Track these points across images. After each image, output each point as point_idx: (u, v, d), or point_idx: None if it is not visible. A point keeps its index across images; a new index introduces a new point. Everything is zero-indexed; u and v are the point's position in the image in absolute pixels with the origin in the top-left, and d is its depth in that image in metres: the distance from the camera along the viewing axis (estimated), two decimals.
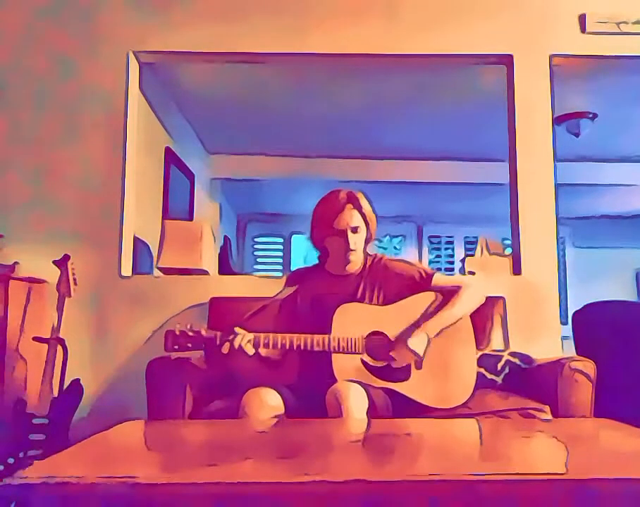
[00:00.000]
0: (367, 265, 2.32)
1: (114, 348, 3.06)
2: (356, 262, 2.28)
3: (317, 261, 2.38)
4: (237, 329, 2.11)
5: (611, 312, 3.19)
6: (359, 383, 2.04)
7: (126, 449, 1.58)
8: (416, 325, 2.20)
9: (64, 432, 2.61)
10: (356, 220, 2.23)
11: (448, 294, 2.28)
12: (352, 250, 2.23)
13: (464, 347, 2.28)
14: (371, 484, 1.13)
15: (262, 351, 2.15)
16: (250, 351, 2.10)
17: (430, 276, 2.30)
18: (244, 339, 2.09)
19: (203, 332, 2.12)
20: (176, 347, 2.11)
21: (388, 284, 2.29)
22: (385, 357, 2.16)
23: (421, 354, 2.14)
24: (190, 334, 2.12)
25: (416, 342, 2.15)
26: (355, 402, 1.96)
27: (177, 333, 2.12)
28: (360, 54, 3.31)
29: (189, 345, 2.11)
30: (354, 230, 2.22)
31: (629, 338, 2.95)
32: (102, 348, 3.06)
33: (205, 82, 4.27)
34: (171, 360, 2.35)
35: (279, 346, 2.11)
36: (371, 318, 2.20)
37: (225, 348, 2.08)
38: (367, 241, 2.31)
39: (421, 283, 2.29)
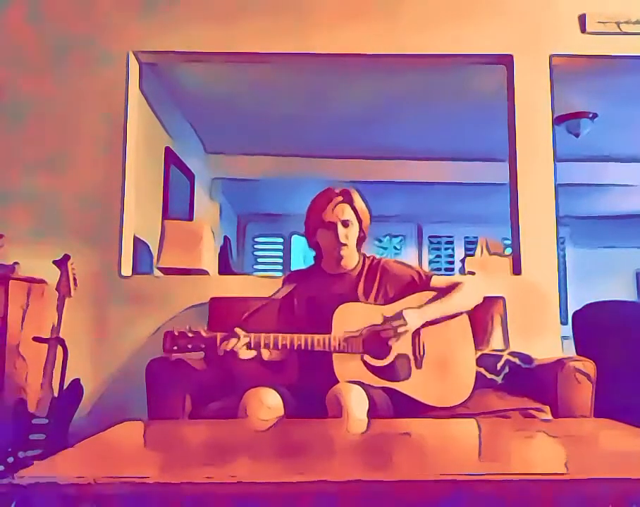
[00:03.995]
0: (365, 266, 2.32)
1: (114, 348, 3.06)
2: (349, 258, 2.28)
3: (313, 262, 2.39)
4: (237, 330, 2.10)
5: (611, 312, 3.20)
6: (360, 384, 2.04)
7: (126, 449, 1.58)
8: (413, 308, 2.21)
9: (64, 432, 2.61)
10: (347, 213, 2.22)
11: (446, 293, 2.28)
12: (343, 244, 2.22)
13: (462, 346, 2.29)
14: (371, 484, 1.13)
15: (265, 355, 2.15)
16: (245, 354, 2.09)
17: (429, 278, 2.30)
18: (239, 342, 2.07)
19: (202, 333, 2.11)
20: (175, 348, 2.09)
21: (386, 285, 2.29)
22: (385, 355, 2.16)
23: (411, 325, 2.14)
24: (189, 335, 2.10)
25: (411, 314, 2.16)
26: (356, 403, 1.96)
27: (177, 334, 2.10)
28: (360, 54, 3.30)
29: (189, 346, 2.09)
30: (345, 224, 2.22)
31: (629, 338, 2.95)
32: (102, 348, 3.06)
33: (205, 82, 4.26)
34: (171, 360, 2.35)
35: (280, 346, 2.11)
36: (371, 318, 2.20)
37: (221, 351, 2.07)
38: (361, 240, 2.31)
39: (420, 285, 2.29)
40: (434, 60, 3.42)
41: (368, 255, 2.36)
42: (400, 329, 2.14)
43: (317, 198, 2.28)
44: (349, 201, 2.24)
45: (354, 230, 2.25)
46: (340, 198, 2.23)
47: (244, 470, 1.31)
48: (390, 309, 2.23)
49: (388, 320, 2.16)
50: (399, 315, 2.15)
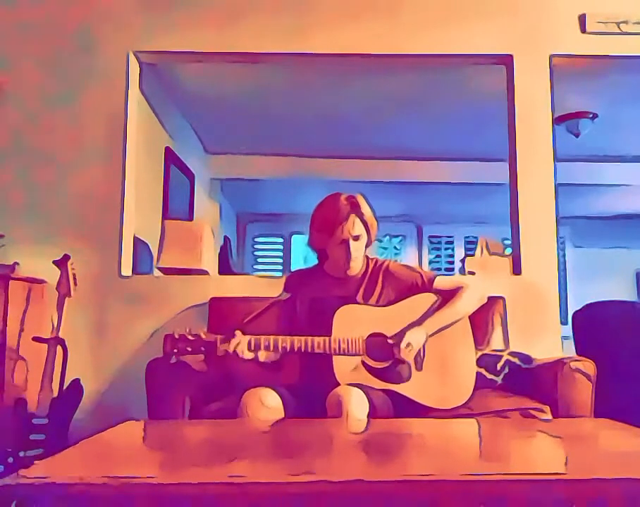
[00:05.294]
0: (369, 269, 2.31)
1: (114, 348, 3.06)
2: (356, 267, 2.27)
3: (317, 261, 2.38)
4: (237, 332, 2.10)
5: (611, 312, 3.20)
6: (360, 387, 2.03)
7: (126, 449, 1.58)
8: (416, 324, 2.20)
9: (64, 432, 2.61)
10: (358, 228, 2.20)
11: (448, 295, 2.28)
12: (353, 258, 2.22)
13: (463, 348, 2.29)
14: (371, 484, 1.13)
15: (261, 357, 2.14)
16: (246, 355, 2.09)
17: (431, 280, 2.30)
18: (240, 344, 2.07)
19: (202, 336, 2.10)
20: (175, 351, 2.10)
21: (388, 289, 2.28)
22: (386, 357, 2.16)
23: (418, 345, 2.14)
24: (190, 337, 2.09)
25: (415, 335, 2.15)
26: (356, 406, 1.96)
27: (177, 337, 2.09)
28: (360, 54, 3.30)
29: (189, 349, 2.09)
30: (356, 238, 2.21)
31: (629, 338, 2.95)
32: (102, 348, 3.06)
33: (205, 82, 4.26)
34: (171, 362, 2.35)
35: (280, 348, 2.11)
36: (371, 319, 2.20)
37: (220, 351, 2.07)
38: (367, 246, 2.30)
39: (423, 288, 2.29)
40: (434, 60, 3.42)
41: (371, 258, 2.36)
42: (409, 355, 2.14)
43: (326, 210, 2.23)
44: (360, 215, 2.20)
45: (363, 242, 2.24)
46: (353, 215, 2.19)
47: (244, 470, 1.30)
48: (391, 311, 2.24)
49: (395, 345, 2.14)
50: (402, 336, 2.14)
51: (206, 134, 5.39)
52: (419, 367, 2.19)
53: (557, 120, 4.37)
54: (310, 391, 2.10)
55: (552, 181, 3.19)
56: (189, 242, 3.16)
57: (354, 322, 2.17)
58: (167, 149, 4.56)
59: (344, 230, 2.18)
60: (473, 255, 3.79)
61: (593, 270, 6.99)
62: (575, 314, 3.24)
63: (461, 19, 3.27)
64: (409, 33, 3.27)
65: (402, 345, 2.12)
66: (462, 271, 3.62)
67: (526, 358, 2.57)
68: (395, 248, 8.00)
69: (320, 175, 5.54)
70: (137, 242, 3.45)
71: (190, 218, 5.01)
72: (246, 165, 5.82)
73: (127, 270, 3.17)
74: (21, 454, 2.50)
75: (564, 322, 3.20)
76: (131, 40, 3.25)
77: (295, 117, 4.83)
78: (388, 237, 7.97)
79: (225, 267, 3.96)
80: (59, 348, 2.72)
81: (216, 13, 3.26)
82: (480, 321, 2.48)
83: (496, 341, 2.73)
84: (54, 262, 2.79)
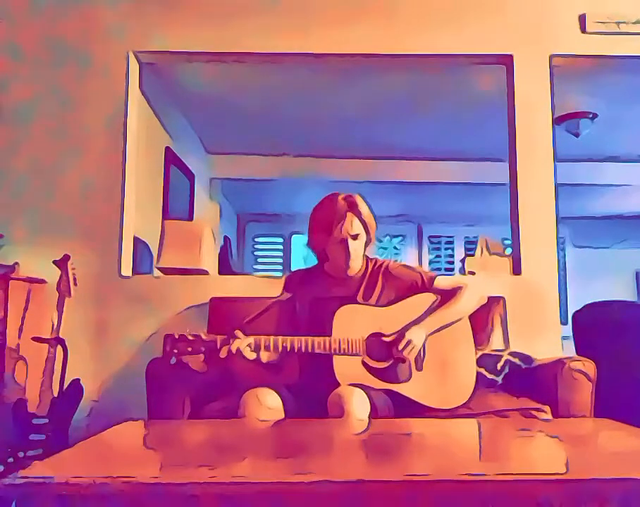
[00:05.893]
0: (368, 270, 2.31)
1: (114, 348, 3.06)
2: (356, 267, 2.27)
3: (316, 261, 2.38)
4: (237, 333, 2.10)
5: (611, 312, 3.20)
6: (361, 387, 2.03)
7: (126, 449, 1.58)
8: (415, 323, 2.20)
9: (64, 432, 2.61)
10: (356, 227, 2.20)
11: (448, 295, 2.28)
12: (352, 258, 2.22)
13: (463, 347, 2.29)
14: (371, 484, 1.13)
15: (263, 357, 2.14)
16: (249, 355, 2.09)
17: (431, 280, 2.30)
18: (243, 343, 2.08)
19: (202, 336, 2.10)
20: (175, 351, 2.09)
21: (389, 289, 2.28)
22: (386, 357, 2.16)
23: (418, 343, 2.15)
24: (190, 338, 2.09)
25: (415, 333, 2.15)
26: (357, 406, 1.96)
27: (177, 337, 2.09)
28: (360, 54, 3.31)
29: (189, 349, 2.09)
30: (355, 237, 2.21)
31: (629, 338, 2.95)
32: (102, 348, 3.06)
33: (205, 82, 4.26)
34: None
35: (280, 348, 2.10)
36: (372, 320, 2.19)
37: (223, 352, 2.07)
38: (366, 245, 2.30)
39: (423, 288, 2.29)
40: (434, 60, 3.42)
41: (371, 258, 2.35)
42: (411, 354, 2.14)
43: (323, 210, 2.23)
44: (358, 214, 2.20)
45: (362, 241, 2.24)
46: (350, 214, 2.19)
47: (244, 469, 1.31)
48: (391, 311, 2.24)
49: (395, 345, 2.14)
50: (402, 335, 2.14)
51: (206, 134, 5.39)
52: (419, 367, 2.19)
53: (557, 120, 4.37)
54: (310, 391, 2.10)
55: (552, 181, 3.19)
56: (189, 242, 3.16)
57: (354, 322, 2.17)
58: (167, 149, 4.56)
59: (342, 229, 2.18)
60: (473, 255, 3.79)
61: (593, 270, 6.99)
62: (575, 314, 3.24)
63: (461, 19, 3.27)
64: (410, 33, 3.27)
65: (403, 343, 2.12)
66: (462, 271, 3.62)
67: (526, 358, 2.57)
68: (395, 248, 8.00)
69: (320, 175, 5.54)
70: (137, 242, 3.45)
71: (190, 218, 5.01)
72: (246, 165, 5.82)
73: (127, 270, 3.17)
74: (21, 454, 2.50)
75: (564, 322, 3.20)
76: (131, 40, 3.25)
77: (295, 117, 4.82)
78: (388, 237, 7.98)
79: (225, 267, 3.97)
80: (59, 348, 2.72)
81: (216, 12, 3.26)
82: (480, 321, 2.48)
83: (496, 341, 2.73)
84: (54, 262, 2.79)
